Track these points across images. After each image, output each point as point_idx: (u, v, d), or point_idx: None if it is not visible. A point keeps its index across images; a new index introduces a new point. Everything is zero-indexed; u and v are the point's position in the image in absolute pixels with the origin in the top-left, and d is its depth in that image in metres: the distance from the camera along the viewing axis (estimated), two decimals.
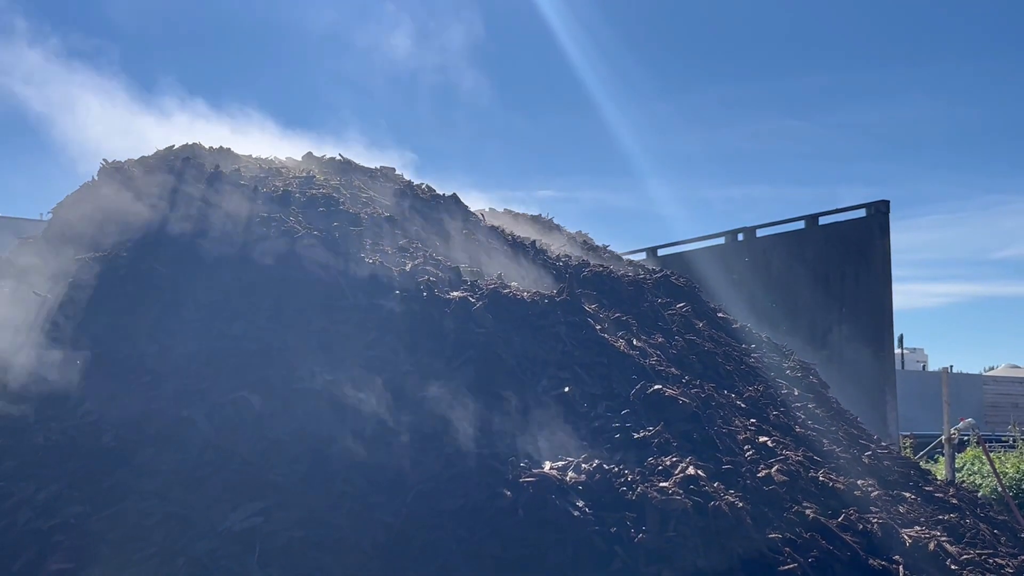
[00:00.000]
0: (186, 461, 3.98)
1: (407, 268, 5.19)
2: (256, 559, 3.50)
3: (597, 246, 9.12)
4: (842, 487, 5.10)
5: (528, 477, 3.88)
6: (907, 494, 6.00)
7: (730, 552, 3.91)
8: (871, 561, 4.32)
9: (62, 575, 3.54)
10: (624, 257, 10.78)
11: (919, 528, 5.10)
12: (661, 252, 13.49)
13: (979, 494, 14.21)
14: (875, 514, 4.95)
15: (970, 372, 46.10)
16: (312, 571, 3.49)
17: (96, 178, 6.51)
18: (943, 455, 13.53)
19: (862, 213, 11.19)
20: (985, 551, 5.42)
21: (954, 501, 6.44)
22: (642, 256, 13.31)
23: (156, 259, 5.04)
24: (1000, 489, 12.79)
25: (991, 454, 15.05)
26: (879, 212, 10.94)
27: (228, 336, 4.60)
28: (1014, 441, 20.94)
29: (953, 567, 4.67)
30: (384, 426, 4.14)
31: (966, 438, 16.38)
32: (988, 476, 14.50)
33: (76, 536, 3.68)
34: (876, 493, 5.39)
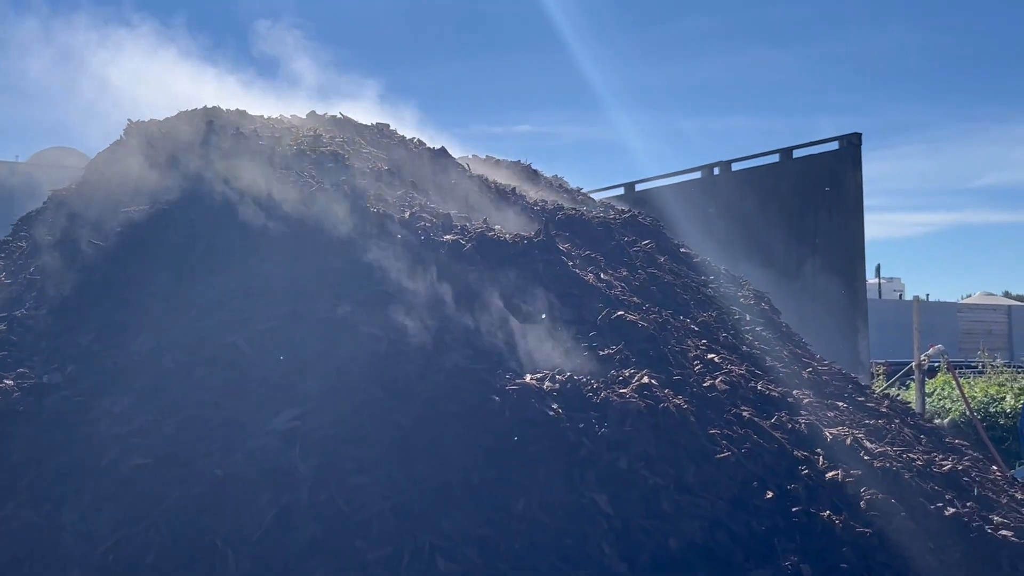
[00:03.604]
0: (233, 378, 4.87)
1: (406, 215, 6.05)
2: (298, 452, 4.41)
3: (571, 189, 9.98)
4: (777, 395, 6.03)
5: (512, 386, 4.78)
6: (840, 403, 6.92)
7: (676, 444, 4.81)
8: (795, 452, 5.25)
9: (142, 468, 4.44)
10: (600, 195, 11.56)
11: (841, 428, 6.04)
12: (639, 187, 13.97)
13: (947, 419, 15.03)
14: (804, 417, 5.89)
15: (947, 300, 47.24)
16: (343, 461, 4.39)
17: (124, 137, 7.34)
18: (915, 381, 14.36)
19: (835, 146, 11.67)
20: (901, 448, 6.37)
21: (884, 410, 7.39)
22: (619, 192, 13.84)
23: (195, 211, 5.90)
24: (968, 413, 13.68)
25: (962, 380, 15.88)
26: (851, 144, 11.42)
27: (260, 275, 5.48)
28: (983, 367, 21.88)
29: (866, 458, 5.60)
30: (395, 347, 5.03)
31: (936, 364, 17.18)
32: (957, 401, 15.33)
33: (151, 438, 4.55)
34: (808, 401, 6.31)
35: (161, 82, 8.46)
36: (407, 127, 8.54)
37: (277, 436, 4.47)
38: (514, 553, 4.13)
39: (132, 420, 4.69)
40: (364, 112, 8.48)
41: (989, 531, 5.42)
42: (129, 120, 7.41)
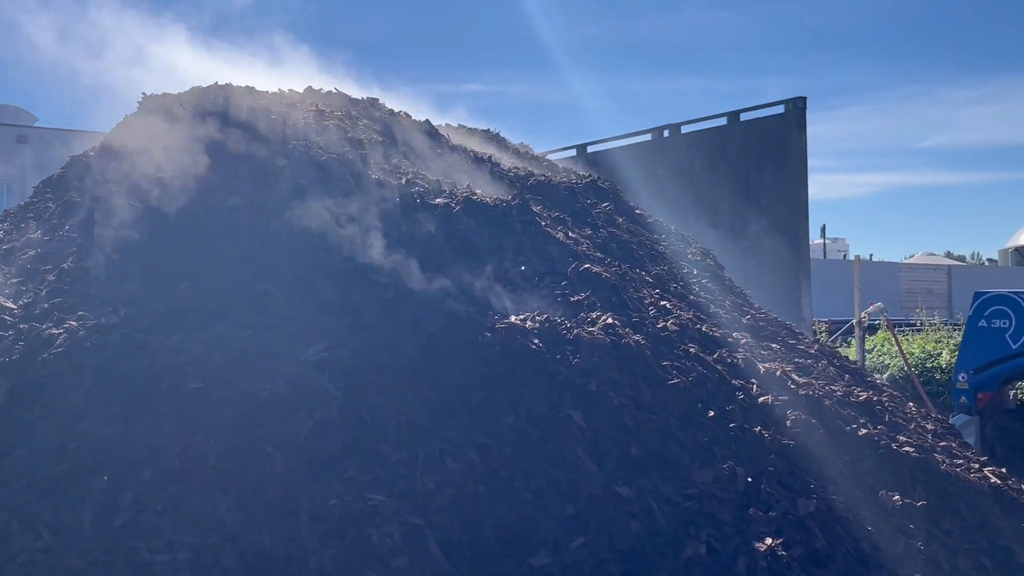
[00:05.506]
0: (268, 317, 5.80)
1: (403, 182, 7.00)
2: (327, 378, 5.37)
3: (536, 156, 10.95)
4: (719, 336, 7.08)
5: (501, 324, 5.77)
6: (774, 345, 8.00)
7: (635, 372, 5.83)
8: (733, 381, 6.29)
9: (199, 392, 5.37)
10: (555, 159, 12.41)
11: (773, 363, 7.11)
12: (590, 149, 14.47)
13: (886, 374, 15.99)
14: (741, 354, 6.94)
15: (890, 260, 48.65)
16: (364, 384, 5.36)
17: (139, 110, 8.19)
18: (855, 338, 15.28)
19: (780, 109, 12.14)
20: (824, 381, 7.46)
21: (813, 351, 8.48)
22: (572, 154, 14.28)
23: (221, 176, 6.78)
24: (906, 368, 14.72)
25: (901, 337, 16.84)
26: (797, 108, 11.86)
27: (281, 232, 6.40)
28: (922, 325, 23.07)
29: (792, 387, 6.66)
30: (401, 292, 5.99)
31: (876, 322, 18.16)
32: (896, 357, 16.26)
33: (203, 367, 5.47)
34: (745, 341, 7.37)
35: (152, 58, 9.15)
36: (353, 89, 9.14)
37: (309, 365, 5.43)
38: (507, 456, 5.14)
39: (184, 352, 5.60)
40: (306, 78, 9.08)
41: (895, 448, 6.52)
42: (144, 93, 8.24)
